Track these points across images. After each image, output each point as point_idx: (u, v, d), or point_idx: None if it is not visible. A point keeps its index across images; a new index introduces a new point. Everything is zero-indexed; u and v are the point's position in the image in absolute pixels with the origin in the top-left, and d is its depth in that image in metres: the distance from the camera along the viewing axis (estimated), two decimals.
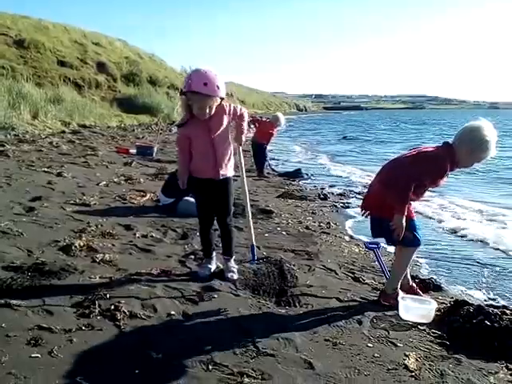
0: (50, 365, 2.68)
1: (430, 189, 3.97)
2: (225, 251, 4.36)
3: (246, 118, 4.15)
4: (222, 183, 4.06)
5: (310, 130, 40.62)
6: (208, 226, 4.26)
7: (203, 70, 3.67)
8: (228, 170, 4.08)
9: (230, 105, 3.98)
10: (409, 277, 4.16)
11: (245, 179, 4.42)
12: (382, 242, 4.20)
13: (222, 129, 3.93)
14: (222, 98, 3.80)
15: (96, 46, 32.63)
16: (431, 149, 3.78)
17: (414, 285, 4.26)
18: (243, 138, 4.20)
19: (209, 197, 4.10)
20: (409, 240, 3.78)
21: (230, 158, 4.09)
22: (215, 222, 4.28)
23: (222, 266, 4.39)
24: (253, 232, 4.50)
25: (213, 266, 4.33)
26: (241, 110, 4.10)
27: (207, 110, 3.75)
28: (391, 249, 4.96)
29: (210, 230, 4.29)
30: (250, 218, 4.51)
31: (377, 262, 4.45)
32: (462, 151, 3.67)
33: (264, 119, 12.81)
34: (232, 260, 4.36)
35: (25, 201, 6.47)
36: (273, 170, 12.74)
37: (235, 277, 4.19)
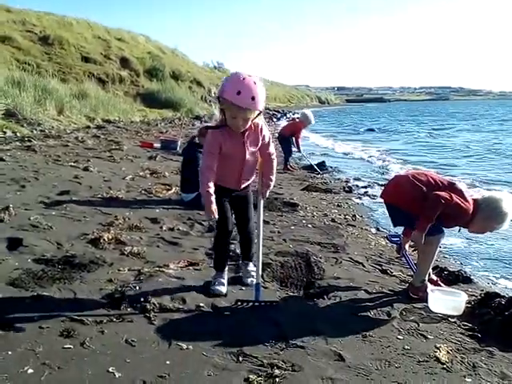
0: (82, 356, 2.71)
1: None
2: (245, 256, 4.14)
3: (275, 168, 3.82)
4: (242, 192, 3.80)
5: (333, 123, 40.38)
6: (228, 236, 3.84)
7: (249, 78, 3.21)
8: (249, 182, 3.84)
9: (263, 127, 3.60)
10: (430, 269, 4.11)
11: (261, 225, 3.87)
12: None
13: (255, 148, 3.60)
14: (260, 112, 3.41)
15: (119, 42, 32.85)
16: (470, 200, 3.83)
17: (435, 277, 4.23)
18: (267, 193, 3.89)
19: (229, 204, 3.79)
20: (433, 229, 3.75)
21: (253, 175, 3.84)
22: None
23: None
24: (260, 269, 3.77)
25: (226, 280, 3.87)
26: (272, 149, 3.75)
27: (248, 124, 3.41)
28: None
29: (228, 242, 3.92)
30: (261, 255, 3.78)
31: (402, 257, 4.40)
32: (481, 215, 3.77)
33: (295, 118, 12.77)
34: (251, 264, 4.11)
35: (53, 195, 6.55)
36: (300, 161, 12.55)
37: (255, 281, 3.78)
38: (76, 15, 32.45)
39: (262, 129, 3.58)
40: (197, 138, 6.83)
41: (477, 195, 4.02)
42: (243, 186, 3.75)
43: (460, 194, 3.79)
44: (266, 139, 3.65)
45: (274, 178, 3.84)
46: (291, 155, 12.02)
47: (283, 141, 11.81)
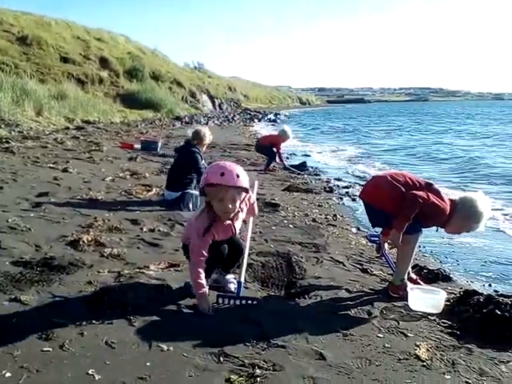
0: (61, 358, 2.68)
1: None
2: (228, 268, 3.97)
3: (256, 208, 3.89)
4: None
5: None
6: (221, 262, 3.76)
7: (229, 163, 3.43)
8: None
9: (252, 196, 3.75)
10: (409, 268, 4.14)
11: (250, 230, 3.98)
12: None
13: (241, 224, 3.72)
14: (247, 190, 3.45)
15: (98, 42, 32.64)
16: (447, 200, 3.91)
17: (414, 276, 4.27)
18: (256, 209, 3.91)
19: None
20: (410, 228, 3.79)
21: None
22: None
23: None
24: (244, 269, 3.79)
25: (208, 283, 3.68)
26: (253, 200, 3.82)
27: (237, 204, 3.41)
28: None
29: (221, 263, 3.81)
30: (246, 255, 3.85)
31: (381, 256, 4.43)
32: (458, 215, 3.84)
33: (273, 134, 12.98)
34: (229, 274, 3.99)
35: (31, 196, 6.48)
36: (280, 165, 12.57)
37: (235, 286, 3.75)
38: (55, 15, 32.16)
39: (244, 204, 3.61)
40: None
41: (453, 196, 4.08)
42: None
43: (437, 194, 3.85)
44: (249, 202, 3.70)
45: (256, 210, 3.90)
46: (274, 160, 12.00)
47: (263, 148, 11.92)
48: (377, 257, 4.71)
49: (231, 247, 3.74)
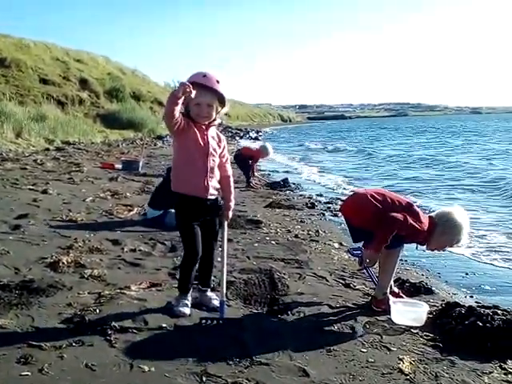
0: (40, 382, 2.63)
1: None
2: (204, 283, 3.94)
3: (233, 187, 3.85)
4: (211, 205, 3.69)
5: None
6: (197, 261, 3.70)
7: (209, 71, 3.50)
8: (215, 193, 3.71)
9: (224, 140, 3.76)
10: (391, 282, 4.15)
11: (225, 247, 3.83)
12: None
13: (217, 149, 3.65)
14: (223, 104, 3.55)
15: (78, 63, 32.52)
16: (426, 220, 3.93)
17: (396, 289, 4.27)
18: (230, 215, 3.85)
19: (199, 220, 3.66)
20: (392, 243, 3.80)
21: (218, 184, 3.72)
22: None
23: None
24: (225, 287, 3.71)
25: (190, 301, 3.75)
26: (229, 166, 3.82)
27: (213, 113, 3.52)
28: None
29: (196, 265, 3.73)
30: (225, 272, 3.76)
31: (363, 269, 4.42)
32: (437, 231, 3.89)
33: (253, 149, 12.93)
34: (209, 290, 3.96)
35: (10, 219, 6.39)
36: (259, 180, 12.65)
37: (219, 299, 3.70)
38: (34, 37, 32.03)
39: (223, 140, 3.72)
40: None
41: (431, 213, 4.11)
42: (210, 194, 3.64)
43: (416, 215, 3.88)
44: (225, 151, 3.75)
45: (233, 198, 3.84)
46: (249, 175, 11.97)
47: (240, 161, 11.90)
48: (358, 269, 4.69)
49: (207, 258, 3.80)
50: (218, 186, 3.74)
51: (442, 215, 3.92)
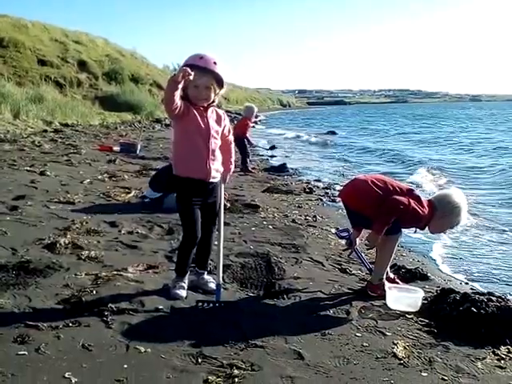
0: (37, 362, 2.65)
1: None
2: (201, 266, 3.96)
3: (234, 152, 3.90)
4: (213, 187, 3.71)
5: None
6: (195, 243, 3.71)
7: (207, 53, 3.47)
8: (217, 176, 3.71)
9: (225, 115, 3.74)
10: (388, 268, 4.17)
11: (222, 221, 3.87)
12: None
13: (218, 128, 3.64)
14: (221, 86, 3.52)
15: (76, 45, 32.27)
16: (427, 205, 3.92)
17: (392, 275, 4.29)
18: (228, 178, 3.90)
19: (199, 203, 3.66)
20: (391, 229, 3.82)
21: (220, 164, 3.71)
22: None
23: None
24: (221, 270, 3.78)
25: (187, 284, 3.76)
26: (231, 136, 3.84)
27: (211, 94, 3.49)
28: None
29: (194, 247, 3.76)
30: (221, 255, 3.79)
31: (352, 252, 4.35)
32: (438, 214, 3.90)
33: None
34: (206, 273, 3.98)
35: (8, 200, 6.39)
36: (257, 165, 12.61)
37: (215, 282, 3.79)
38: (32, 18, 31.76)
39: (223, 115, 3.71)
40: None
41: (430, 197, 4.12)
42: (212, 177, 3.63)
43: (417, 200, 3.87)
44: (228, 125, 3.76)
45: (233, 161, 3.89)
46: (249, 157, 11.96)
47: (237, 143, 11.77)
48: (344, 250, 4.59)
49: (205, 241, 3.82)
50: (221, 168, 3.73)
51: (441, 198, 3.94)
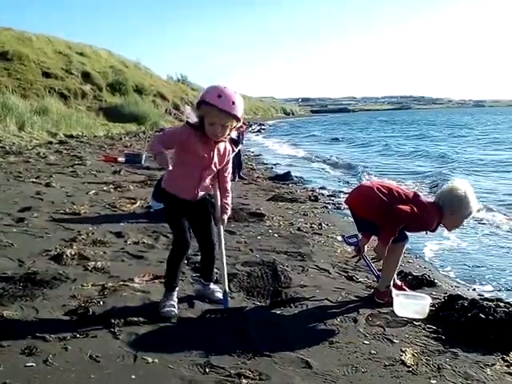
0: (45, 373, 2.65)
1: None
2: (206, 277, 3.93)
3: (230, 193, 3.79)
4: (199, 203, 3.64)
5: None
6: (184, 253, 3.69)
7: (229, 88, 3.30)
8: (204, 193, 3.66)
9: (229, 152, 3.66)
10: (395, 275, 4.15)
11: (223, 245, 3.78)
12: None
13: (218, 166, 3.57)
14: (238, 121, 3.41)
15: (80, 56, 32.54)
16: (434, 209, 3.89)
17: (399, 282, 4.28)
18: (226, 220, 3.77)
19: (186, 217, 3.66)
20: (398, 235, 3.81)
21: (207, 184, 3.63)
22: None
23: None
24: (226, 279, 3.77)
25: (176, 301, 3.63)
26: (228, 174, 3.77)
27: (227, 131, 3.39)
28: None
29: (184, 259, 3.76)
30: (225, 264, 3.78)
31: (360, 259, 4.37)
32: (446, 212, 3.85)
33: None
34: (212, 284, 3.95)
35: (14, 211, 6.42)
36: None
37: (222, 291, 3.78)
38: (36, 30, 32.01)
39: (228, 152, 3.62)
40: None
41: (433, 197, 4.09)
42: (199, 197, 3.61)
43: (422, 205, 3.85)
44: (228, 165, 3.70)
45: (230, 202, 3.78)
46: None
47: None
48: (353, 257, 4.61)
49: (206, 254, 3.82)
50: (209, 186, 3.68)
51: (444, 196, 3.88)
